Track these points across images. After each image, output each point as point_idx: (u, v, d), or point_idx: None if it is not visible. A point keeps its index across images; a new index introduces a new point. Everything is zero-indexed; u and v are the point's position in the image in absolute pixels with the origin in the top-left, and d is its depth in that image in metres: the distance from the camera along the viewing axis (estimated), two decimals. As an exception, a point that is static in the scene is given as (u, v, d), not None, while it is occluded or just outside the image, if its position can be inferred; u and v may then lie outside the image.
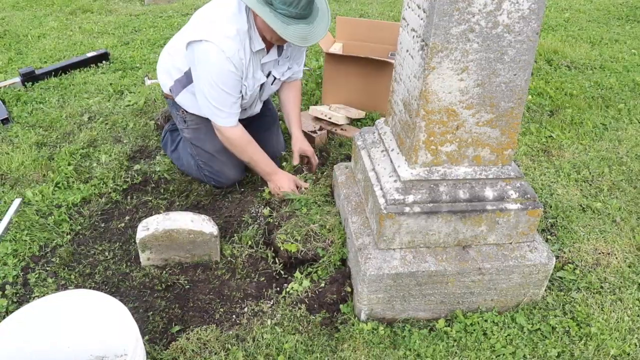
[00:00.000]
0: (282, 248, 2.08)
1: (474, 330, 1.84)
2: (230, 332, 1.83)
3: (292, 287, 1.98)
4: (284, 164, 2.64)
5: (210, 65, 2.16)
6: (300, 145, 2.57)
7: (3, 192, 2.50)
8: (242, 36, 2.17)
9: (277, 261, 2.12)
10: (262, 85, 2.44)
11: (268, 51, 2.34)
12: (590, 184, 2.69)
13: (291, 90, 2.65)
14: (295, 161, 2.56)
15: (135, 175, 2.65)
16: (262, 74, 2.39)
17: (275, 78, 2.49)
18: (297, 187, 2.40)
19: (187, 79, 2.39)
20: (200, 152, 2.50)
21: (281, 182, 2.40)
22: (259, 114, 2.65)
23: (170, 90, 2.49)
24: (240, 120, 2.40)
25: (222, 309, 1.94)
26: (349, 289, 1.94)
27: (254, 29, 2.21)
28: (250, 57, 2.24)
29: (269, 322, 1.86)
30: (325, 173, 2.53)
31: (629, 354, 1.78)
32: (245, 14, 2.19)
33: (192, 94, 2.41)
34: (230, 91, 2.23)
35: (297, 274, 2.04)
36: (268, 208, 2.37)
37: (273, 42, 2.28)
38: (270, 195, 2.44)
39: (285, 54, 2.46)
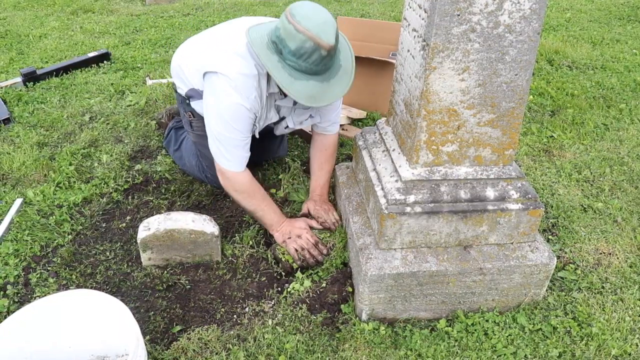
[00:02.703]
0: (283, 259, 2.06)
1: (475, 330, 1.84)
2: (232, 332, 1.83)
3: (293, 287, 1.98)
4: (282, 174, 2.54)
5: (222, 100, 1.96)
6: (310, 205, 2.22)
7: (4, 192, 2.50)
8: (259, 74, 1.96)
9: (278, 261, 2.12)
10: (275, 123, 2.25)
11: (285, 95, 2.05)
12: (591, 184, 2.68)
13: (323, 150, 2.31)
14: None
15: (137, 175, 2.65)
16: (275, 114, 2.17)
17: (287, 125, 2.24)
18: (311, 228, 2.13)
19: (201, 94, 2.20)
20: (204, 156, 2.48)
21: (292, 225, 2.11)
22: None
23: (185, 94, 2.33)
24: None
25: (223, 309, 1.94)
26: (350, 289, 1.94)
27: None
28: (266, 98, 2.05)
29: (270, 322, 1.86)
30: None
31: (630, 354, 1.78)
32: None
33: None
34: (240, 129, 2.00)
35: (298, 274, 2.03)
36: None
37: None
38: (283, 255, 2.08)
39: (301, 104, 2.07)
